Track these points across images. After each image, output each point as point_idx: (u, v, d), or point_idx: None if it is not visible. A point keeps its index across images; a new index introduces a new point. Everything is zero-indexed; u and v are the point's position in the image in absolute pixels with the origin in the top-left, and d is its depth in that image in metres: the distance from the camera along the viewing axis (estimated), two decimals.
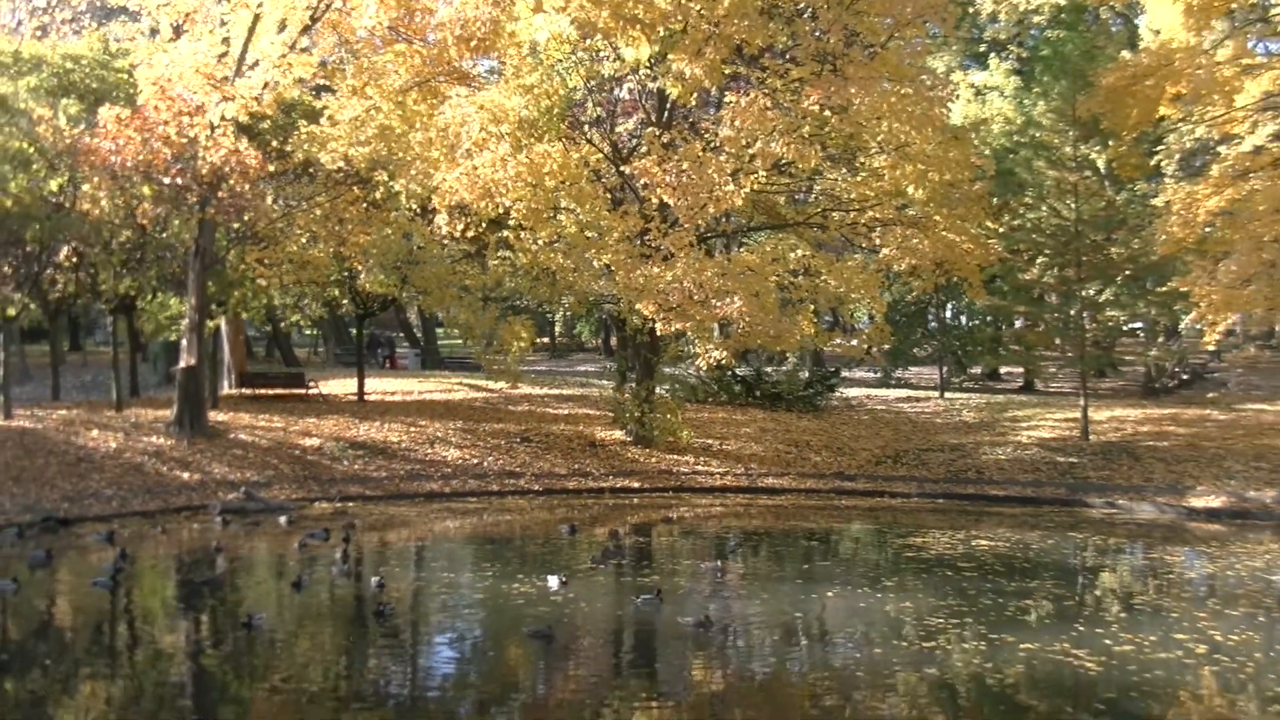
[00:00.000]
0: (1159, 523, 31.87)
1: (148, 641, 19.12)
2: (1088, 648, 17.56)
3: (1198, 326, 46.86)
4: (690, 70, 32.34)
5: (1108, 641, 17.98)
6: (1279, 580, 23.79)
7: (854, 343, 42.68)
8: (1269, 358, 57.02)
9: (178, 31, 35.06)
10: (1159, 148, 43.04)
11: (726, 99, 34.58)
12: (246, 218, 35.53)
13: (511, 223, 34.88)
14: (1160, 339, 59.48)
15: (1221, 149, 41.23)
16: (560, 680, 16.33)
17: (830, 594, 21.82)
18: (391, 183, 37.05)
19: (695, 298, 31.81)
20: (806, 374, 49.27)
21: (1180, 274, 40.31)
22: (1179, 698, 15.66)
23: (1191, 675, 16.51)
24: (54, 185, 34.01)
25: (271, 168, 35.48)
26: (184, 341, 37.17)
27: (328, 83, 36.40)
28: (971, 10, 57.18)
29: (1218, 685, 16.16)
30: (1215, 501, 33.19)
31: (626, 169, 34.92)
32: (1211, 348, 48.86)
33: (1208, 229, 38.10)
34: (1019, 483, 36.32)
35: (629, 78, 37.53)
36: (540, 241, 35.81)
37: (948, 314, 57.53)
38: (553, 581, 21.82)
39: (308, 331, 71.69)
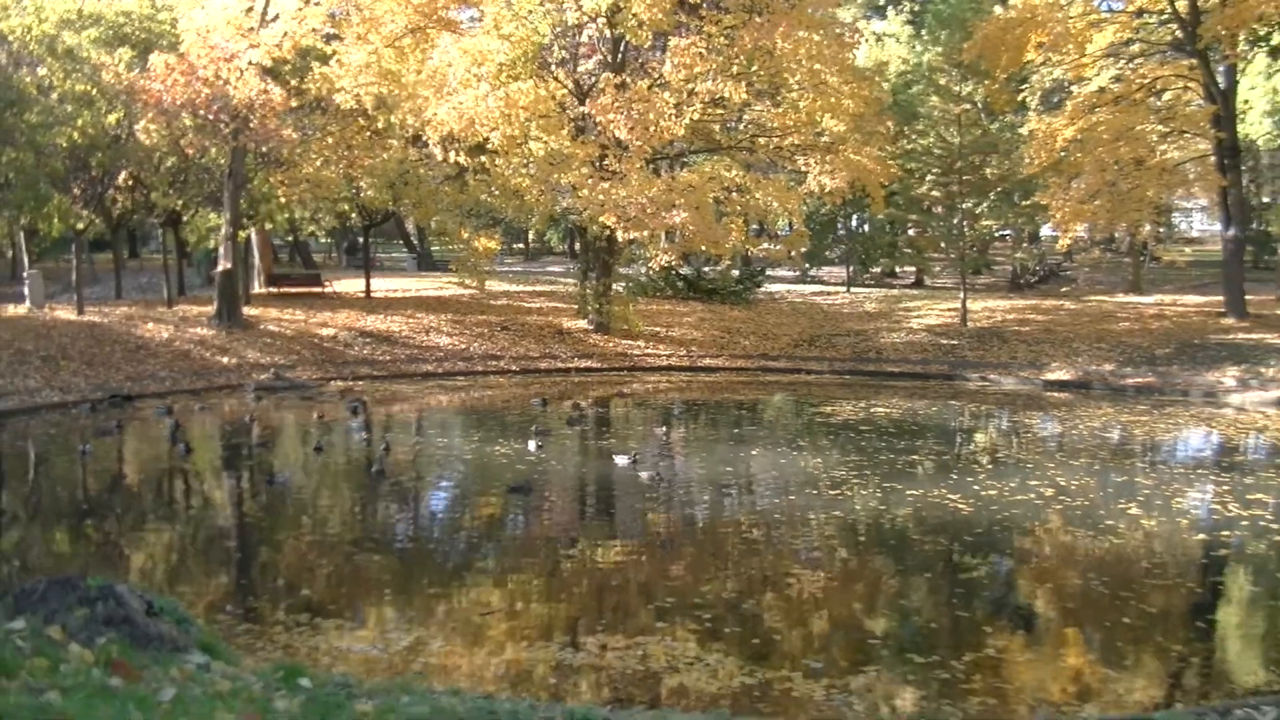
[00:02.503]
0: (1020, 393, 32.32)
1: (198, 493, 19.28)
2: (961, 493, 17.83)
3: (1054, 233, 47.53)
4: (646, 16, 32.49)
5: (977, 488, 18.26)
6: (1112, 437, 24.25)
7: (777, 247, 42.97)
8: (1109, 259, 57.46)
9: None
10: (1025, 86, 43.23)
11: (670, 43, 34.46)
12: (271, 145, 35.29)
13: (490, 148, 34.79)
14: (1025, 244, 60.10)
15: (1074, 88, 41.58)
16: (536, 524, 16.49)
17: (755, 452, 22.06)
18: (390, 116, 36.96)
19: (648, 210, 31.89)
20: (738, 273, 49.30)
21: (1041, 190, 40.78)
22: (1032, 530, 15.99)
23: (1042, 512, 16.84)
24: (113, 120, 33.61)
25: (292, 103, 35.17)
26: (221, 249, 37.18)
27: (336, 32, 35.99)
28: None
29: (1062, 520, 16.50)
30: (1065, 375, 33.64)
31: (587, 106, 34.83)
32: (1065, 250, 49.37)
33: (1062, 154, 38.50)
34: (910, 361, 36.63)
35: (589, 25, 37.29)
36: (513, 166, 35.87)
37: (854, 223, 57.55)
38: (530, 445, 21.98)
39: (323, 240, 71.11)
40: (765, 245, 47.22)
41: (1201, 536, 15.69)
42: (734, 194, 36.61)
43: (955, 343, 37.86)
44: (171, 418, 24.86)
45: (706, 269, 49.39)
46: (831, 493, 18.01)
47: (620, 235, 33.83)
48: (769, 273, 53.60)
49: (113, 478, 20.28)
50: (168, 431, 23.16)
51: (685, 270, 47.64)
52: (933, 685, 10.00)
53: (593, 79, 38.32)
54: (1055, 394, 31.99)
